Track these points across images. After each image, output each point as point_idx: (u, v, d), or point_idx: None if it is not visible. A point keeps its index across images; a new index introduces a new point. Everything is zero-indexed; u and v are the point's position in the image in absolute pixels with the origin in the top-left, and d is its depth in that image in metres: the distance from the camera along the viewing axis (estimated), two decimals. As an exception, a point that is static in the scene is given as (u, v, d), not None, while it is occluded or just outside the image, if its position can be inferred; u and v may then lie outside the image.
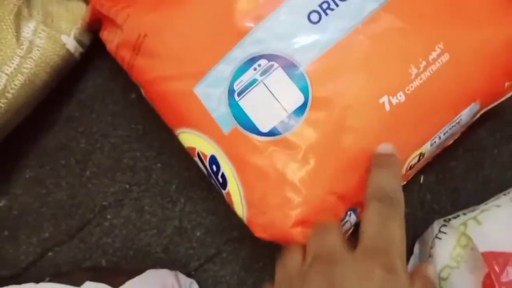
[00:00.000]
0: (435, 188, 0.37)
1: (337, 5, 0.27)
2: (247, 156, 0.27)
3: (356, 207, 0.28)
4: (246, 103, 0.27)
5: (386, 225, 0.24)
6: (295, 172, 0.26)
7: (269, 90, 0.26)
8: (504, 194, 0.32)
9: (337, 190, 0.26)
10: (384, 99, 0.26)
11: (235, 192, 0.28)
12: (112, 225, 0.39)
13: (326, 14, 0.27)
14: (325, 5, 0.27)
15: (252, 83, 0.27)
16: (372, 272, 0.23)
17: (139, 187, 0.39)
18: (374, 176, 0.26)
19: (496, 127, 0.38)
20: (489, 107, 0.31)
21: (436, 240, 0.32)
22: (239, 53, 0.27)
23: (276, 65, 0.26)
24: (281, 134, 0.26)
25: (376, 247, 0.24)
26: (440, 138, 0.29)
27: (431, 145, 0.28)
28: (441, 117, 0.28)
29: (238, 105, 0.27)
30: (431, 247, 0.32)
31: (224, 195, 0.29)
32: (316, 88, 0.26)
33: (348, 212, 0.28)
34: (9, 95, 0.35)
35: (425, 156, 0.30)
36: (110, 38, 0.35)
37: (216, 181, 0.29)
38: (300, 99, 0.26)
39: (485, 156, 0.37)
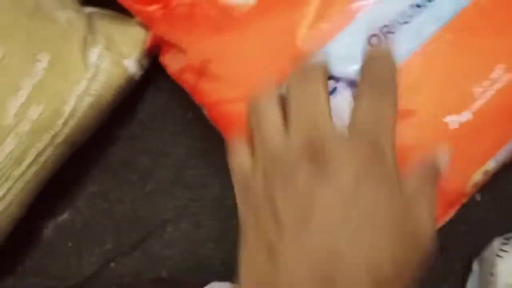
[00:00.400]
0: (492, 206, 0.38)
1: (397, 28, 0.28)
2: None
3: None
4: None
5: (378, 112, 0.23)
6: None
7: (336, 109, 0.28)
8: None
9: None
10: (448, 118, 0.27)
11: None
12: (172, 238, 0.41)
13: (386, 37, 0.28)
14: (385, 29, 0.28)
15: (333, 90, 0.28)
16: (358, 147, 0.22)
17: (198, 202, 0.41)
18: (367, 65, 0.24)
19: None
20: None
21: (497, 258, 0.32)
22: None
23: (342, 85, 0.28)
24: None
25: (367, 129, 0.22)
26: (502, 154, 0.30)
27: (496, 160, 0.30)
28: (506, 133, 0.29)
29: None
30: (492, 266, 0.33)
31: None
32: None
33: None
34: (78, 115, 0.37)
35: (488, 173, 0.31)
36: (172, 62, 0.37)
37: None
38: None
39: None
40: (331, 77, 0.28)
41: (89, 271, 0.40)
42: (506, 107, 0.29)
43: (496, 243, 0.33)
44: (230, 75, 0.32)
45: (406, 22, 0.28)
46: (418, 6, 0.28)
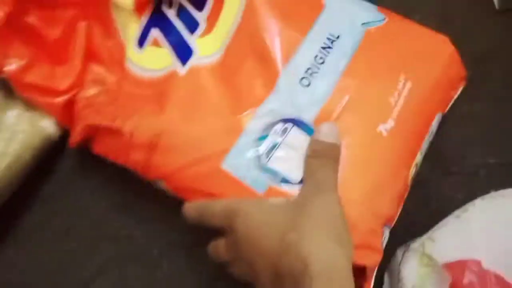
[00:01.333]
0: (396, 226, 0.38)
1: (318, 68, 0.33)
2: None
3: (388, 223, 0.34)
4: (275, 163, 0.31)
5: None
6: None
7: (291, 146, 0.31)
8: (450, 215, 0.39)
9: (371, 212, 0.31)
10: (381, 128, 0.32)
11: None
12: None
13: (312, 77, 0.33)
14: (309, 71, 0.33)
15: (275, 144, 0.31)
16: None
17: (122, 255, 0.40)
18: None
19: (435, 164, 0.41)
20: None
21: (402, 264, 0.34)
22: (257, 123, 0.32)
23: (290, 125, 0.32)
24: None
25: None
26: (424, 147, 0.36)
27: (421, 154, 0.35)
28: (421, 129, 0.35)
29: (268, 167, 0.31)
30: (399, 272, 0.34)
31: None
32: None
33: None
34: None
35: (418, 166, 0.36)
36: (113, 148, 0.37)
37: None
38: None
39: (431, 187, 0.41)
40: (282, 120, 0.32)
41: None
42: (415, 109, 0.34)
43: (399, 253, 0.35)
44: (185, 141, 0.33)
45: (322, 62, 0.34)
46: (327, 47, 0.33)
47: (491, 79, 0.44)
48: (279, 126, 0.32)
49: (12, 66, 0.35)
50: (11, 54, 0.36)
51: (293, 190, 0.31)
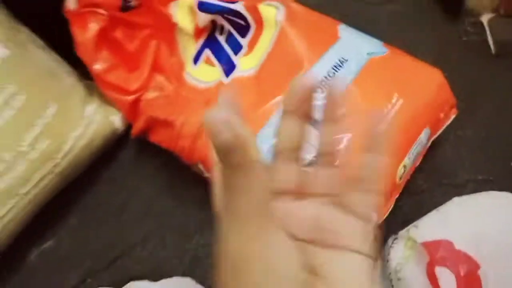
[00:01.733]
0: (391, 222, 0.44)
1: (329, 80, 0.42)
2: None
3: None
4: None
5: None
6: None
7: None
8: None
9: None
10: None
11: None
12: (141, 257, 0.47)
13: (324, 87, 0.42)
14: (322, 83, 0.42)
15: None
16: None
17: (164, 227, 0.49)
18: None
19: (429, 176, 0.49)
20: (438, 133, 0.47)
21: (390, 249, 0.41)
22: (277, 119, 0.41)
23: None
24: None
25: None
26: (412, 153, 0.43)
27: (409, 158, 0.42)
28: (410, 138, 0.42)
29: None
30: (388, 255, 0.41)
31: None
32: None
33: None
34: (73, 152, 0.46)
35: (407, 168, 0.43)
36: (166, 138, 0.47)
37: None
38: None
39: (424, 197, 0.49)
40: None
41: (69, 285, 0.45)
42: (404, 120, 0.41)
43: (390, 240, 0.42)
44: None
45: (338, 71, 0.42)
46: (338, 66, 0.42)
47: (482, 110, 0.53)
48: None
49: (99, 66, 0.47)
50: (99, 58, 0.47)
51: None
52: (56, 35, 0.48)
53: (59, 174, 0.45)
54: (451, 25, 0.60)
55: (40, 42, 0.47)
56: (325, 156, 0.28)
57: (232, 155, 0.20)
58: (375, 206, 0.25)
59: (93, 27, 0.46)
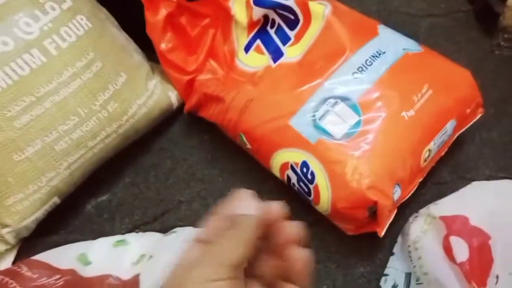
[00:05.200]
0: (413, 207, 0.49)
1: (366, 68, 0.47)
2: (328, 154, 0.44)
3: (400, 183, 0.45)
4: (324, 123, 0.45)
5: None
6: (360, 157, 0.43)
7: (337, 114, 0.45)
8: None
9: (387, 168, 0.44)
10: (404, 113, 0.45)
11: (321, 181, 0.44)
12: (185, 214, 0.52)
13: (361, 73, 0.47)
14: (360, 68, 0.47)
15: (327, 112, 0.45)
16: None
17: (206, 191, 0.54)
18: None
19: (453, 169, 0.54)
20: (464, 128, 0.51)
21: (410, 224, 0.45)
22: (317, 96, 0.46)
23: (339, 101, 0.46)
24: (348, 138, 0.44)
25: None
26: (438, 140, 0.47)
27: (434, 144, 0.46)
28: (436, 125, 0.46)
29: (320, 125, 0.45)
30: (408, 230, 0.44)
31: (311, 189, 0.45)
32: (365, 111, 0.45)
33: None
34: (136, 117, 0.52)
35: (432, 153, 0.47)
36: (215, 112, 0.53)
37: (305, 180, 0.45)
38: (356, 118, 0.45)
39: (446, 187, 0.52)
40: (334, 96, 0.46)
41: (119, 233, 0.50)
42: (432, 109, 0.46)
43: (411, 218, 0.46)
44: (267, 104, 0.48)
45: (370, 65, 0.47)
46: (375, 56, 0.47)
47: (509, 117, 0.57)
48: (332, 100, 0.46)
49: (164, 46, 0.54)
50: (165, 39, 0.54)
51: (334, 143, 0.44)
52: (128, 21, 0.56)
53: (121, 134, 0.51)
54: (486, 40, 0.64)
55: (115, 22, 0.55)
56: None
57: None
58: None
59: (163, 11, 0.53)
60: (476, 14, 0.67)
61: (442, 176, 0.53)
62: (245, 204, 0.28)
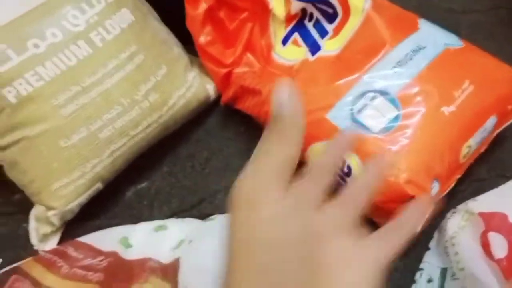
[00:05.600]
0: (451, 203, 0.48)
1: (406, 62, 0.47)
2: (366, 147, 0.44)
3: (438, 178, 0.44)
4: (362, 117, 0.45)
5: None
6: (398, 152, 0.43)
7: (376, 108, 0.45)
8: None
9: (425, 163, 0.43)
10: (443, 109, 0.45)
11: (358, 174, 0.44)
12: (221, 203, 0.54)
13: (401, 67, 0.47)
14: (399, 63, 0.47)
15: (365, 105, 0.46)
16: None
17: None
18: None
19: (493, 167, 0.53)
20: (505, 125, 0.50)
21: (448, 220, 0.44)
22: (355, 90, 0.46)
23: (378, 95, 0.46)
24: (386, 132, 0.44)
25: None
26: (478, 136, 0.46)
27: (474, 140, 0.46)
28: (476, 121, 0.46)
29: (357, 119, 0.45)
30: (445, 225, 0.44)
31: (348, 182, 0.45)
32: (404, 106, 0.45)
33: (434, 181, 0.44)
34: (175, 108, 0.54)
35: (471, 150, 0.47)
36: (249, 104, 0.54)
37: (342, 174, 0.46)
38: (395, 113, 0.45)
39: (485, 185, 0.51)
40: (373, 90, 0.46)
41: (158, 219, 0.52)
42: (473, 105, 0.45)
43: (449, 213, 0.45)
44: (303, 97, 0.48)
45: (410, 59, 0.47)
46: (416, 51, 0.47)
47: None
48: (370, 94, 0.46)
49: (203, 39, 0.55)
50: (204, 32, 0.55)
51: (372, 137, 0.44)
52: (168, 14, 0.58)
53: (162, 124, 0.53)
54: (528, 38, 0.63)
55: (156, 15, 0.56)
56: None
57: (277, 121, 0.26)
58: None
59: (203, 5, 0.54)
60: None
61: (481, 173, 0.52)
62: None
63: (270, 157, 0.26)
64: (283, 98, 0.26)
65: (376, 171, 0.29)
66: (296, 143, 0.26)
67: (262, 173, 0.26)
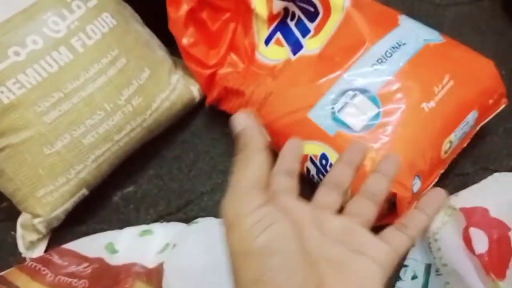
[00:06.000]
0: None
1: (386, 59, 0.47)
2: (347, 146, 0.42)
3: (420, 175, 0.45)
4: (343, 116, 0.45)
5: None
6: (379, 149, 0.43)
7: (356, 106, 0.45)
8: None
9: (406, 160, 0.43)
10: (424, 105, 0.45)
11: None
12: (207, 205, 0.54)
13: (381, 64, 0.47)
14: (379, 60, 0.47)
15: (346, 104, 0.46)
16: None
17: (228, 182, 0.55)
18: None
19: (477, 161, 0.53)
20: (487, 119, 0.50)
21: None
22: (336, 89, 0.46)
23: (358, 93, 0.46)
24: (367, 130, 0.44)
25: None
26: (459, 131, 0.46)
27: (455, 135, 0.46)
28: (457, 116, 0.46)
29: (339, 118, 0.45)
30: None
31: None
32: (384, 103, 0.45)
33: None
34: (159, 111, 0.54)
35: (453, 145, 0.47)
36: (236, 105, 0.54)
37: (324, 172, 0.46)
38: (376, 110, 0.45)
39: (468, 179, 0.52)
40: (353, 89, 0.46)
41: (145, 223, 0.52)
42: (453, 100, 0.45)
43: None
44: (286, 97, 0.49)
45: (390, 56, 0.47)
46: (395, 48, 0.47)
47: None
48: (351, 92, 0.46)
49: (185, 41, 0.55)
50: (187, 34, 0.55)
51: (353, 135, 0.44)
52: (150, 17, 0.58)
53: (146, 128, 0.53)
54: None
55: (139, 18, 0.56)
56: None
57: (243, 139, 0.30)
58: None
59: (185, 7, 0.54)
60: (502, 3, 0.66)
61: (464, 167, 0.52)
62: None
63: (243, 171, 0.28)
64: (242, 119, 0.31)
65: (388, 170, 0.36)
66: (259, 154, 0.29)
67: (239, 188, 0.27)
